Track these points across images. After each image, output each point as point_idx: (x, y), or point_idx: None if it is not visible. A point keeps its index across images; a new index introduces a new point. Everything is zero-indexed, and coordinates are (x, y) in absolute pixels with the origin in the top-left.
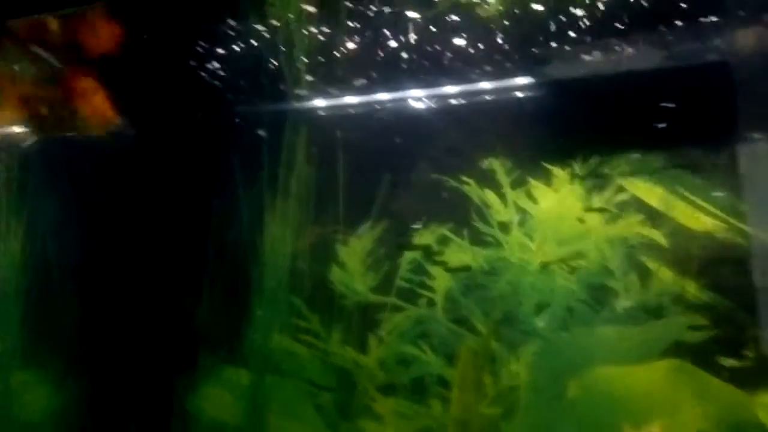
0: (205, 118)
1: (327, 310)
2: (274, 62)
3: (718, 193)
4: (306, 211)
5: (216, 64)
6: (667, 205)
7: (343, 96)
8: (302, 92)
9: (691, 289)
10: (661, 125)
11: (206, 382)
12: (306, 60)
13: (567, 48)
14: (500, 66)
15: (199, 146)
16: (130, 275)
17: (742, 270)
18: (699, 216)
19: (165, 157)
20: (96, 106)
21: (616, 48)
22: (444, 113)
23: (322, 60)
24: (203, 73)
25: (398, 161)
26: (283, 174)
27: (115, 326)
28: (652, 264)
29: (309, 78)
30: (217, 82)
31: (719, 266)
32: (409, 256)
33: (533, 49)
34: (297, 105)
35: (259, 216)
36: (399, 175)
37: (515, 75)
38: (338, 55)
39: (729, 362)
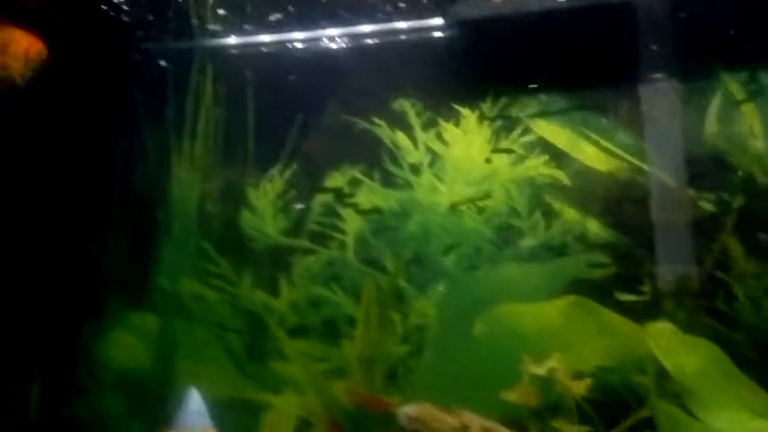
0: (108, 55)
1: (237, 254)
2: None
3: (622, 134)
4: (214, 152)
5: None
6: (573, 146)
7: (255, 34)
8: (213, 28)
9: (594, 227)
10: (568, 66)
11: (113, 327)
12: None
13: None
14: (413, 5)
15: (102, 84)
16: (32, 219)
17: (642, 208)
18: (603, 156)
19: (66, 95)
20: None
21: None
22: (357, 53)
23: None
24: (105, 7)
25: (310, 102)
26: (191, 114)
27: (18, 272)
28: (556, 204)
29: (220, 12)
30: (121, 17)
31: (620, 205)
32: (320, 198)
33: None
34: (206, 42)
35: (166, 157)
36: (310, 116)
37: (427, 16)
38: None
39: (627, 297)
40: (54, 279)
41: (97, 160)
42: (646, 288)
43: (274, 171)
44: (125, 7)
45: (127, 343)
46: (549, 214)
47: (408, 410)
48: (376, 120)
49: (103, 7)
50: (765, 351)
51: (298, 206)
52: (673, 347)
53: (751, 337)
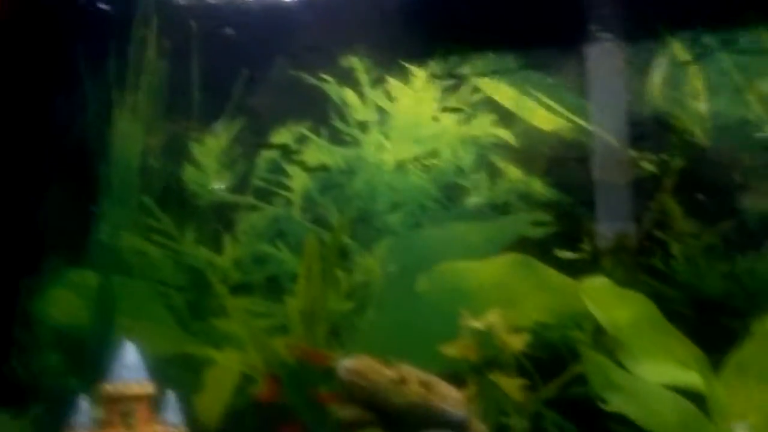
0: (49, 4)
1: (179, 210)
2: None
3: (566, 94)
4: (157, 105)
5: None
6: (519, 105)
7: None
8: None
9: (537, 186)
10: (515, 25)
11: (51, 284)
12: None
13: None
14: None
15: (42, 34)
16: None
17: (584, 168)
18: (547, 116)
19: (3, 43)
20: None
21: None
22: (306, 7)
23: None
24: None
25: (257, 56)
26: (134, 66)
27: None
28: (501, 163)
29: None
30: None
31: (563, 165)
32: (266, 155)
33: None
34: None
35: (107, 110)
36: (257, 70)
37: None
38: None
39: (567, 255)
40: None
41: (35, 112)
42: (586, 246)
43: (219, 126)
44: None
45: (65, 300)
46: (494, 173)
47: (347, 363)
48: (325, 76)
49: None
50: (700, 307)
51: (218, 187)
52: (606, 301)
53: (686, 294)
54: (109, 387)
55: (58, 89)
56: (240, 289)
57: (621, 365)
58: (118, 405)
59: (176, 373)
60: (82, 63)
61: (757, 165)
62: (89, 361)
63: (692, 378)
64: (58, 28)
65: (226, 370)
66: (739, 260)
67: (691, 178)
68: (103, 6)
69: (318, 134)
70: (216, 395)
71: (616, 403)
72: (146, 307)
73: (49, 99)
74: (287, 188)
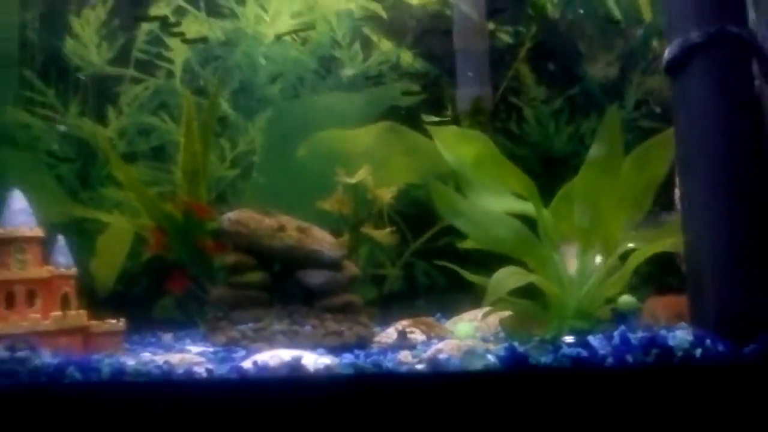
0: None
1: (62, 83)
2: None
3: None
4: None
5: None
6: None
7: None
8: None
9: (406, 57)
10: None
11: None
12: None
13: None
14: None
15: None
16: None
17: (448, 39)
18: None
19: None
20: None
21: None
22: None
23: None
24: None
25: None
26: None
27: None
28: (373, 35)
29: None
30: None
31: (430, 36)
32: (145, 27)
33: None
34: None
35: None
36: None
37: None
38: None
39: (431, 119)
40: None
41: None
42: (449, 111)
43: None
44: None
45: None
46: (367, 45)
47: (230, 215)
48: None
49: None
50: (546, 163)
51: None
52: (454, 143)
53: (536, 153)
54: (1, 230)
55: None
56: (127, 158)
57: (467, 197)
58: (10, 247)
59: (70, 240)
60: None
61: (600, 36)
62: None
63: (526, 206)
64: None
65: (118, 234)
66: (583, 123)
67: (542, 48)
68: None
69: (197, 7)
70: (110, 258)
71: (461, 227)
72: (35, 178)
73: None
74: (168, 60)
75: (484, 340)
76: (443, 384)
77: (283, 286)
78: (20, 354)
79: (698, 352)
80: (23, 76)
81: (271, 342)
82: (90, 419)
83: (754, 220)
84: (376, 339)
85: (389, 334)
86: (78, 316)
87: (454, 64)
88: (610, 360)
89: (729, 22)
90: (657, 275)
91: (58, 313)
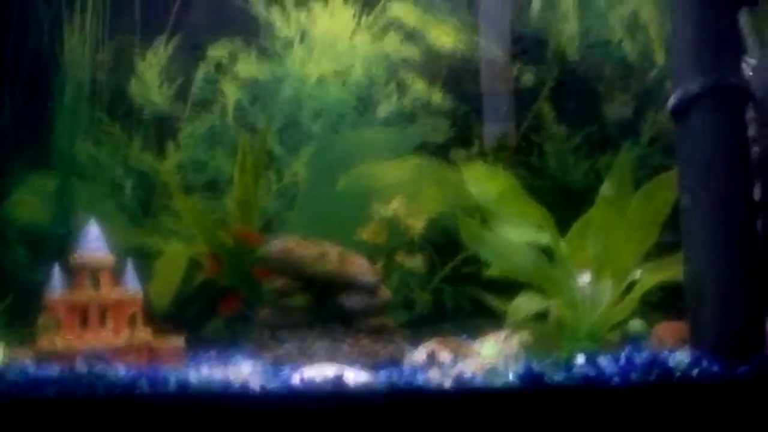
0: None
1: (127, 120)
2: None
3: (462, 15)
4: (104, 24)
5: None
6: (423, 25)
7: None
8: None
9: (437, 97)
10: None
11: (15, 188)
12: None
13: None
14: None
15: None
16: None
17: (476, 80)
18: (447, 35)
19: None
20: None
21: None
22: None
23: None
24: None
25: None
26: None
27: None
28: (408, 76)
29: None
30: None
31: (460, 78)
32: (202, 69)
33: None
34: None
35: (59, 28)
36: None
37: None
38: None
39: (460, 155)
40: None
41: None
42: (476, 147)
43: (160, 43)
44: None
45: (29, 202)
46: (401, 86)
47: (277, 242)
48: None
49: None
50: (565, 194)
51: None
52: (480, 178)
53: (555, 185)
54: (78, 256)
55: (13, 9)
56: (184, 190)
57: (490, 228)
58: (86, 272)
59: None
60: None
61: (617, 78)
62: (51, 254)
63: (544, 237)
64: None
65: (174, 259)
66: (601, 158)
67: (562, 88)
68: None
69: (248, 50)
70: (166, 282)
71: (485, 256)
72: (101, 206)
73: (5, 18)
74: (222, 99)
75: (506, 359)
76: (467, 399)
77: (324, 308)
78: (97, 369)
79: (695, 372)
80: (93, 113)
81: (313, 359)
82: (158, 427)
83: (746, 252)
84: (408, 358)
85: (419, 354)
86: (145, 333)
87: (481, 104)
88: (616, 379)
89: (726, 74)
90: (669, 302)
91: (128, 331)
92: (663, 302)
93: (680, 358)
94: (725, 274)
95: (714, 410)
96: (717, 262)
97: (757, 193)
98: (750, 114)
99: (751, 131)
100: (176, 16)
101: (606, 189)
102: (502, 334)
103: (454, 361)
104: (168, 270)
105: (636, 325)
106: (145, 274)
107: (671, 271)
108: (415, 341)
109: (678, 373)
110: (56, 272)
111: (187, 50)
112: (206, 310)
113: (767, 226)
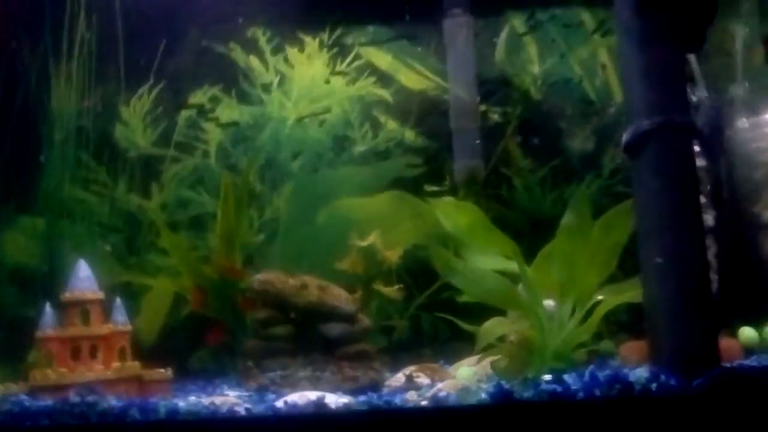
0: None
1: (113, 163)
2: None
3: (431, 60)
4: (89, 73)
5: None
6: (394, 69)
7: None
8: None
9: (410, 135)
10: (389, 4)
11: (5, 230)
12: None
13: None
14: None
15: None
16: None
17: (446, 119)
18: (417, 78)
19: None
20: None
21: None
22: None
23: None
24: None
25: (173, 29)
26: (67, 40)
27: None
28: (381, 117)
29: None
30: None
31: (430, 117)
32: (184, 113)
33: None
34: None
35: (45, 77)
36: (173, 41)
37: None
38: None
39: (432, 189)
40: None
41: None
42: (447, 181)
43: (143, 90)
44: None
45: (19, 243)
46: (375, 126)
47: (259, 276)
48: (232, 45)
49: None
50: (534, 225)
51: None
52: (450, 212)
53: (525, 216)
54: (69, 294)
55: (2, 60)
56: (168, 228)
57: (461, 258)
58: (76, 308)
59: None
60: (23, 38)
61: (578, 114)
62: (41, 293)
63: (511, 265)
64: (2, 9)
65: (160, 294)
66: (565, 189)
67: (527, 125)
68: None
69: (228, 95)
70: (153, 315)
71: (457, 284)
72: (88, 246)
73: None
74: (204, 142)
75: (479, 379)
76: (443, 416)
77: (306, 337)
78: (89, 398)
79: (654, 386)
80: (79, 157)
81: (296, 387)
82: None
83: (696, 275)
84: (387, 383)
85: (398, 379)
86: (133, 366)
87: (450, 141)
88: (581, 394)
89: (674, 113)
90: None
91: (117, 364)
92: (632, 323)
93: (640, 373)
94: (678, 295)
95: (672, 422)
96: (669, 284)
97: (710, 220)
98: (698, 148)
99: (701, 162)
100: (159, 63)
101: (567, 219)
102: (474, 358)
103: (432, 384)
104: (154, 304)
105: (606, 345)
106: (133, 308)
107: (631, 293)
108: (395, 367)
109: (638, 387)
110: (48, 309)
111: (170, 96)
112: (192, 341)
113: (720, 250)
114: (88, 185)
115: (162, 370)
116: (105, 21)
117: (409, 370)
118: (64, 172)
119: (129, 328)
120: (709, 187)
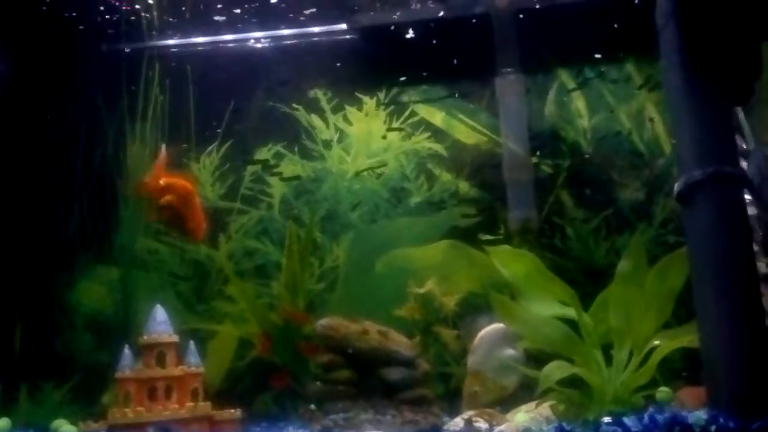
0: (72, 57)
1: None
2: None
3: (484, 116)
4: (162, 133)
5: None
6: (448, 125)
7: (195, 36)
8: (156, 33)
9: (464, 187)
10: (442, 64)
11: (82, 279)
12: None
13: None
14: (322, 12)
15: (68, 82)
16: (12, 194)
17: (498, 171)
18: (470, 133)
19: (36, 90)
20: None
21: (413, 4)
22: (278, 52)
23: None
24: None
25: (240, 91)
26: (142, 102)
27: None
28: (436, 169)
29: (166, 18)
30: (80, 26)
31: (483, 169)
32: (250, 169)
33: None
34: (153, 42)
35: (122, 137)
36: (240, 102)
37: (334, 22)
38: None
39: (487, 238)
40: (31, 241)
41: (63, 143)
42: (502, 231)
43: (212, 147)
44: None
45: (94, 291)
46: (430, 178)
47: (322, 321)
48: (295, 105)
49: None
50: (588, 274)
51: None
52: (508, 259)
53: (579, 265)
54: (146, 337)
55: (82, 123)
56: (235, 276)
57: (520, 304)
58: (153, 351)
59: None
60: (100, 101)
61: (627, 166)
62: (115, 339)
63: (569, 311)
64: (82, 78)
65: (225, 339)
66: (617, 238)
67: (578, 176)
68: (117, 59)
69: (291, 151)
70: (219, 360)
71: (517, 330)
72: (159, 294)
73: (76, 132)
74: (269, 195)
75: (539, 421)
76: None
77: (367, 381)
78: None
79: (713, 428)
80: None
81: (359, 429)
82: None
83: (754, 319)
84: (446, 427)
85: (457, 423)
86: (205, 406)
87: (504, 192)
88: None
89: (724, 163)
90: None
91: (191, 403)
92: (687, 370)
93: (699, 416)
94: (736, 340)
95: None
96: (727, 329)
97: (763, 267)
98: (749, 197)
99: (753, 211)
100: (227, 123)
101: (623, 266)
102: (533, 404)
103: (490, 428)
104: (220, 349)
105: (663, 391)
106: (200, 353)
107: (686, 338)
108: (453, 412)
109: (697, 429)
110: (126, 352)
111: (236, 153)
112: (256, 385)
113: None
114: (160, 237)
115: (232, 411)
116: (177, 84)
117: (468, 414)
118: (137, 224)
119: (201, 370)
120: (761, 235)
